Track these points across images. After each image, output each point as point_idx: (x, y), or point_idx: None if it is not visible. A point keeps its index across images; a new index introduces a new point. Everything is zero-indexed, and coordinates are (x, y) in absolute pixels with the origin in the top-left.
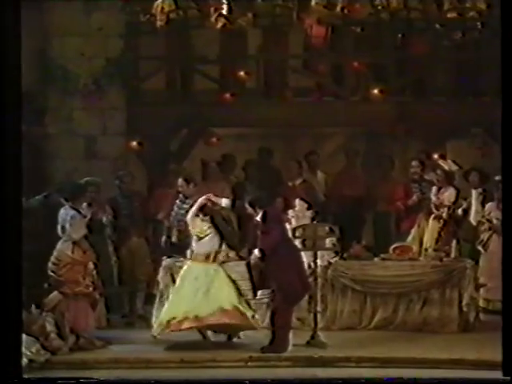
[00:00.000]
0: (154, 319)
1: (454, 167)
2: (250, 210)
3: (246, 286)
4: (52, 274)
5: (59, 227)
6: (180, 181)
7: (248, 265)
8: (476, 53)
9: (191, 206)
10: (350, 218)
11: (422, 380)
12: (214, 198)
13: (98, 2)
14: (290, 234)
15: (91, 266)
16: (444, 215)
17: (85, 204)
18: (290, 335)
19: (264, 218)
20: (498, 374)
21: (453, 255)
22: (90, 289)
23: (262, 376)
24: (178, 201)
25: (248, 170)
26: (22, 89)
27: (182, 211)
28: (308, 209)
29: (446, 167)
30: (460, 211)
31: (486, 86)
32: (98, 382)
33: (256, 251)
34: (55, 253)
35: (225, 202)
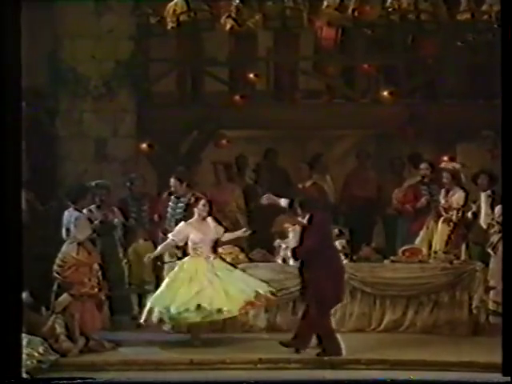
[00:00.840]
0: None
1: (458, 166)
2: (298, 211)
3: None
4: (57, 275)
5: (64, 230)
6: (172, 180)
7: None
8: (488, 55)
9: (186, 206)
10: (360, 220)
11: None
12: (273, 198)
13: (109, 3)
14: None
15: (96, 267)
16: (454, 218)
17: (93, 206)
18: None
19: (310, 221)
20: (473, 375)
21: (463, 258)
22: (96, 290)
23: (271, 378)
24: (171, 202)
25: (259, 173)
26: (22, 89)
27: (179, 210)
28: None
29: (450, 167)
30: (470, 214)
31: (497, 89)
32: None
33: (289, 252)
34: (60, 255)
35: (284, 202)
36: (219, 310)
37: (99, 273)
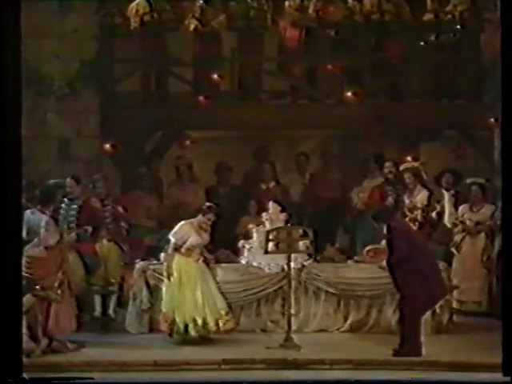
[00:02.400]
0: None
1: (417, 164)
2: (375, 224)
3: None
4: (29, 277)
5: (24, 230)
6: (69, 180)
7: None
8: (451, 55)
9: (80, 207)
10: (325, 221)
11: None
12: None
13: (73, 4)
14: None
15: (62, 267)
16: (419, 218)
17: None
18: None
19: (388, 231)
20: (473, 376)
21: None
22: (59, 291)
23: (235, 379)
24: (63, 205)
25: (220, 174)
26: (22, 89)
27: (72, 212)
28: (282, 211)
29: (410, 166)
30: (434, 214)
31: (461, 89)
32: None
33: (383, 263)
34: (25, 256)
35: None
36: (205, 325)
37: (64, 274)
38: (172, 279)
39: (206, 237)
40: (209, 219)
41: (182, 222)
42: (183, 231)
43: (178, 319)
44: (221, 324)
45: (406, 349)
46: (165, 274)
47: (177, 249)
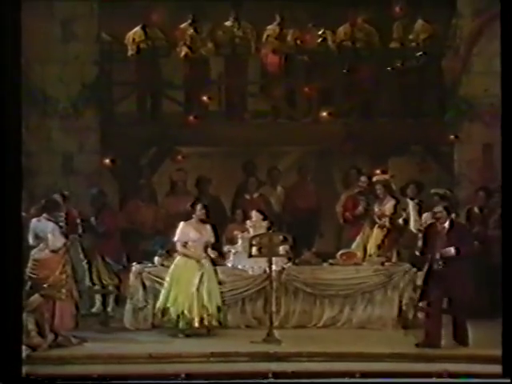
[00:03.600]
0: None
1: (387, 177)
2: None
3: None
4: (31, 279)
5: (31, 236)
6: (56, 196)
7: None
8: (416, 78)
9: (66, 219)
10: (303, 228)
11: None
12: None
13: (75, 32)
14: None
15: (65, 268)
16: (386, 224)
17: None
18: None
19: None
20: (435, 367)
21: (394, 260)
22: (63, 290)
23: (223, 370)
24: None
25: (201, 186)
26: (22, 89)
27: (61, 224)
28: (264, 219)
29: (382, 179)
30: (401, 221)
31: (424, 109)
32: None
33: (452, 250)
34: (32, 259)
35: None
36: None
37: (68, 275)
38: (171, 278)
39: (206, 234)
40: (200, 209)
41: (182, 223)
42: (183, 229)
43: (171, 311)
44: (205, 321)
45: (428, 342)
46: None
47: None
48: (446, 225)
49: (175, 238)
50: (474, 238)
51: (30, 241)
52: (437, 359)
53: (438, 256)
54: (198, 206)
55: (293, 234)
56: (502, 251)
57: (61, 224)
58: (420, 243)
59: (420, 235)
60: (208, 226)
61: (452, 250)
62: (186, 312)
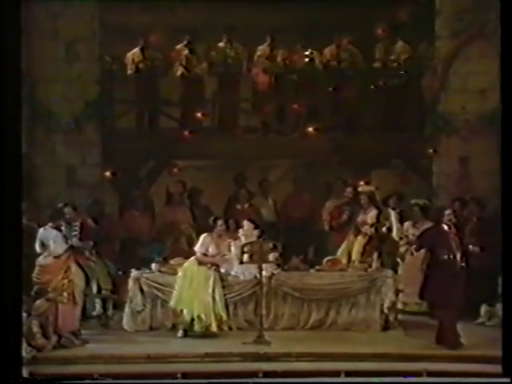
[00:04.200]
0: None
1: (372, 188)
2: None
3: None
4: (37, 283)
5: (38, 244)
6: (67, 209)
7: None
8: (397, 96)
9: (80, 229)
10: (295, 236)
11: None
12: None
13: (78, 53)
14: None
15: (67, 274)
16: (368, 232)
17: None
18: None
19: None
20: (417, 366)
21: (374, 266)
22: (65, 294)
23: (216, 369)
24: (63, 227)
25: (193, 197)
26: (21, 89)
27: (74, 233)
28: (255, 228)
29: (367, 190)
30: (384, 229)
31: (405, 124)
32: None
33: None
34: (38, 265)
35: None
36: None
37: (72, 280)
38: (184, 280)
39: (224, 249)
40: (221, 224)
41: (204, 234)
42: (205, 242)
43: (185, 314)
44: (222, 325)
45: (447, 341)
46: (179, 274)
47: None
48: (453, 228)
49: (196, 248)
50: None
51: (37, 248)
52: (416, 359)
53: (459, 256)
54: (219, 222)
55: (283, 241)
56: (502, 252)
57: (74, 233)
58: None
59: (401, 243)
60: (227, 242)
61: (477, 248)
62: (202, 316)
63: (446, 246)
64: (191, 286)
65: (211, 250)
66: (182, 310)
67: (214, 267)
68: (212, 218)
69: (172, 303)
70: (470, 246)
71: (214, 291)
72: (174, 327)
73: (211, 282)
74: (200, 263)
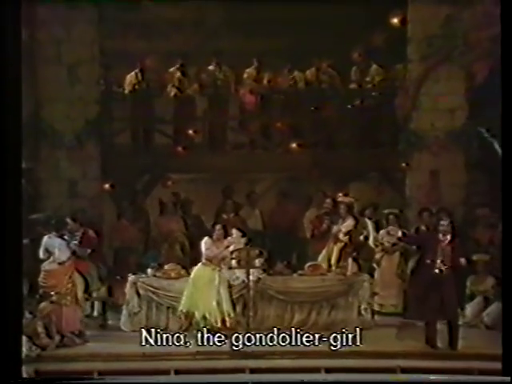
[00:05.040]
0: None
1: (352, 200)
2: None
3: None
4: (42, 287)
5: (42, 251)
6: (68, 220)
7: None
8: (373, 114)
9: (81, 238)
10: (279, 243)
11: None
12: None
13: (79, 76)
14: None
15: (70, 279)
16: (344, 239)
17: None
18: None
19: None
20: (391, 363)
21: (349, 271)
22: (68, 298)
23: (207, 367)
24: (66, 237)
25: (184, 207)
26: (21, 89)
27: (75, 242)
28: (242, 236)
29: (346, 201)
30: (362, 237)
31: (380, 141)
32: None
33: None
34: (43, 270)
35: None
36: (215, 321)
37: (75, 285)
38: (191, 285)
39: (223, 249)
40: (219, 229)
41: (206, 238)
42: (209, 245)
43: (196, 314)
44: (226, 323)
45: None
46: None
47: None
48: (448, 237)
49: (203, 250)
50: None
51: (41, 255)
52: (391, 356)
53: (439, 262)
54: (217, 226)
55: (272, 248)
56: (502, 254)
57: (74, 242)
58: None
59: (377, 250)
60: (225, 242)
61: (463, 260)
62: (207, 315)
63: (432, 251)
64: (197, 288)
65: (209, 252)
66: (193, 312)
67: (218, 269)
68: (211, 223)
69: (182, 307)
70: (461, 259)
71: (219, 292)
72: (187, 329)
73: (216, 283)
74: (205, 265)
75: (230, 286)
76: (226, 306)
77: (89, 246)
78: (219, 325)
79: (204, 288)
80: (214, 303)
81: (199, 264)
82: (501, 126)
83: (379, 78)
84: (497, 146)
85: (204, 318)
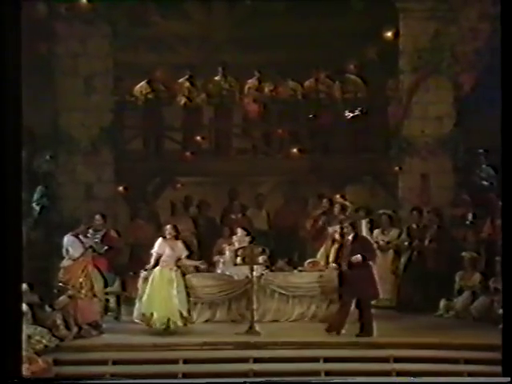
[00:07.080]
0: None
1: (348, 203)
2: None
3: None
4: (61, 282)
5: (64, 250)
6: (97, 216)
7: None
8: (367, 122)
9: (103, 236)
10: (282, 242)
11: None
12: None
13: (95, 87)
14: None
15: (84, 273)
16: (338, 238)
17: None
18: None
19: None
20: (382, 353)
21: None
22: (83, 291)
23: (213, 357)
24: (89, 234)
25: (200, 208)
26: (21, 89)
27: (96, 240)
28: (247, 235)
29: (347, 203)
30: None
31: (373, 146)
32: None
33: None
34: (62, 267)
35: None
36: (168, 321)
37: (87, 279)
38: (149, 286)
39: (178, 250)
40: (170, 228)
41: (160, 238)
42: (160, 245)
43: (155, 315)
44: (170, 323)
45: (365, 332)
46: (148, 282)
47: (158, 260)
48: (350, 237)
49: (152, 250)
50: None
51: (64, 253)
52: (384, 346)
53: (345, 262)
54: (168, 226)
55: (276, 246)
56: (502, 254)
57: (95, 240)
58: (333, 254)
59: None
60: (179, 243)
61: (359, 256)
62: (161, 314)
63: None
64: (155, 289)
65: (167, 251)
66: (152, 313)
67: (175, 268)
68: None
69: (144, 310)
70: (357, 256)
71: (172, 292)
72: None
73: (175, 284)
74: (162, 267)
75: (186, 286)
76: (180, 305)
77: (109, 245)
78: (179, 324)
79: (160, 289)
80: (176, 302)
81: (157, 266)
82: (501, 126)
83: (372, 89)
84: (492, 172)
85: (163, 318)
